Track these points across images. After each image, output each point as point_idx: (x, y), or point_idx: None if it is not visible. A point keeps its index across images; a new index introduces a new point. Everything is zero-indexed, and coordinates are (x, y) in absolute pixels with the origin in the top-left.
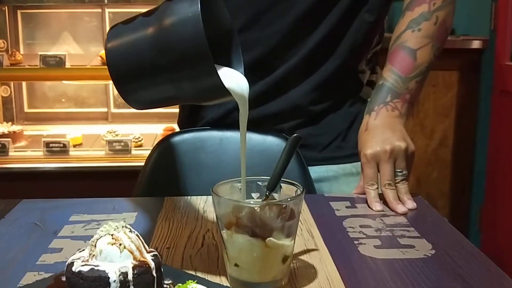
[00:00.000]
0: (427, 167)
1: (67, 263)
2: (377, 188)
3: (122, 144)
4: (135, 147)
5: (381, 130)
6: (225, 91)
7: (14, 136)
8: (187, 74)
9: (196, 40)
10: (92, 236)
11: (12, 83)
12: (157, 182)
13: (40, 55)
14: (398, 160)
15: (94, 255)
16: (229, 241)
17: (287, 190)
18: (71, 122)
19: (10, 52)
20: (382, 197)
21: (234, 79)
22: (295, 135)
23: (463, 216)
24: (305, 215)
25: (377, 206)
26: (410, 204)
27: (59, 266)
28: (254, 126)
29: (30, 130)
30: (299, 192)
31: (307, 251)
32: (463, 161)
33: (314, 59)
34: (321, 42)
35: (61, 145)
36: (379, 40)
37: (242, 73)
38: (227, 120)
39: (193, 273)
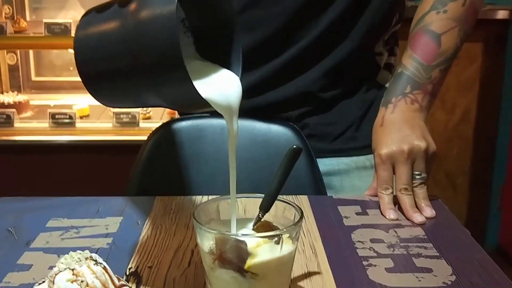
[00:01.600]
0: (447, 143)
1: None
2: (392, 192)
3: (130, 116)
4: (143, 119)
5: (399, 126)
6: (204, 103)
7: (19, 107)
8: (160, 81)
9: (168, 44)
10: (67, 250)
11: (18, 50)
12: (152, 174)
13: (45, 22)
14: (416, 162)
15: None
16: (212, 275)
17: (284, 211)
18: (79, 91)
19: (15, 19)
20: (397, 202)
21: (220, 87)
22: (294, 146)
23: (483, 194)
24: (310, 225)
25: (391, 214)
26: (429, 212)
27: None
28: (259, 114)
29: (37, 99)
30: (297, 217)
31: (309, 275)
32: (485, 138)
33: (325, 42)
34: (334, 23)
35: (67, 116)
36: (398, 20)
37: (238, 74)
38: None
39: None
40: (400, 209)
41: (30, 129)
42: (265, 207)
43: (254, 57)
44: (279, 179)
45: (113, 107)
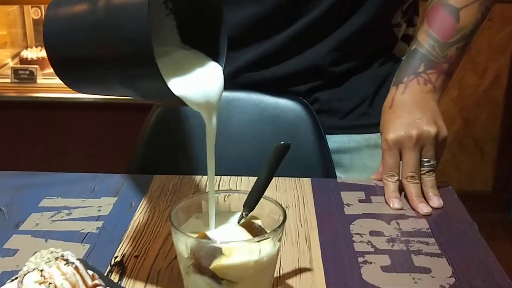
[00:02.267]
0: (477, 108)
1: None
2: (398, 180)
3: None
4: None
5: (409, 109)
6: (178, 100)
7: (43, 63)
8: (131, 75)
9: (138, 37)
10: (56, 234)
11: (43, 5)
12: (155, 150)
13: None
14: (425, 148)
15: None
16: (187, 279)
17: (269, 211)
18: None
19: None
20: (403, 190)
21: (198, 82)
22: (282, 143)
23: (510, 161)
24: (308, 212)
25: (395, 203)
26: (436, 201)
27: (4, 279)
28: (267, 87)
29: None
30: (281, 219)
31: (299, 271)
32: None
33: (337, 13)
34: None
35: None
36: None
37: (222, 64)
38: (237, 79)
39: None
40: (406, 197)
41: (53, 85)
42: (249, 206)
43: (262, 29)
44: (265, 177)
45: (83, 93)
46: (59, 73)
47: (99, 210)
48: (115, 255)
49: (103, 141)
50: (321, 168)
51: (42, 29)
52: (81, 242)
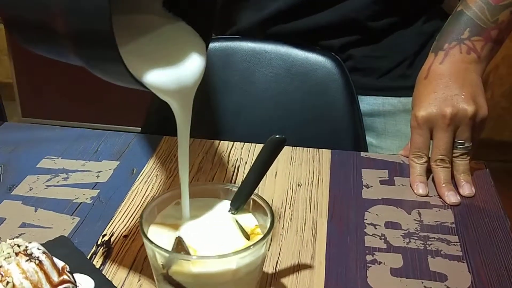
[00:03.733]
0: None
1: None
2: (426, 162)
3: None
4: None
5: (446, 82)
6: (141, 86)
7: None
8: (87, 54)
9: (94, 10)
10: (47, 202)
11: None
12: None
13: None
14: (460, 128)
15: None
16: (158, 285)
17: (256, 213)
18: None
19: None
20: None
21: (172, 66)
22: (277, 136)
23: None
24: (321, 193)
25: (420, 188)
26: (467, 189)
27: None
28: (297, 40)
29: None
30: (267, 225)
31: (298, 268)
32: None
33: None
34: None
35: None
36: None
37: (207, 41)
38: (264, 29)
39: None
40: (434, 183)
41: None
42: (236, 205)
43: None
44: (256, 174)
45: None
46: (11, 32)
47: (97, 176)
48: (104, 232)
49: (119, 92)
50: (351, 132)
51: None
52: (71, 215)
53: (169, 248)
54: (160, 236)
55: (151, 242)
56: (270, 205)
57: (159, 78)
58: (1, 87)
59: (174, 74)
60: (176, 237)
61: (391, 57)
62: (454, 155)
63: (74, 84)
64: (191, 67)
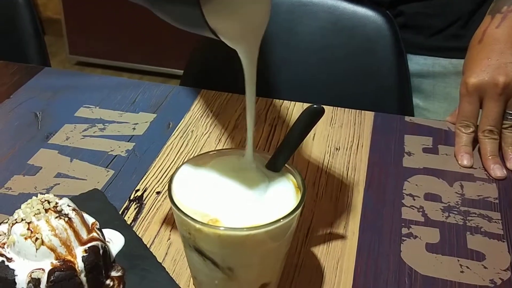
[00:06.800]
0: None
1: None
2: (474, 131)
3: None
4: None
5: (501, 48)
6: (210, 33)
7: None
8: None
9: None
10: (83, 152)
11: None
12: (213, 57)
13: None
14: None
15: (9, 244)
16: (185, 251)
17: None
18: None
19: None
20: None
21: (241, 10)
22: (315, 106)
23: None
24: (360, 159)
25: (465, 159)
26: None
27: (21, 200)
28: None
29: None
30: (294, 202)
31: (330, 237)
32: None
33: None
34: None
35: None
36: None
37: None
38: None
39: (162, 256)
40: (480, 154)
41: None
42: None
43: None
44: (289, 147)
45: None
46: None
47: (134, 129)
48: (137, 187)
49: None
50: (397, 93)
51: None
52: (106, 167)
53: (197, 215)
54: (188, 201)
55: (178, 209)
56: (306, 170)
57: (229, 24)
58: (50, 23)
59: (244, 23)
60: (204, 205)
61: (444, 16)
62: (504, 126)
63: (122, 23)
64: (261, 15)
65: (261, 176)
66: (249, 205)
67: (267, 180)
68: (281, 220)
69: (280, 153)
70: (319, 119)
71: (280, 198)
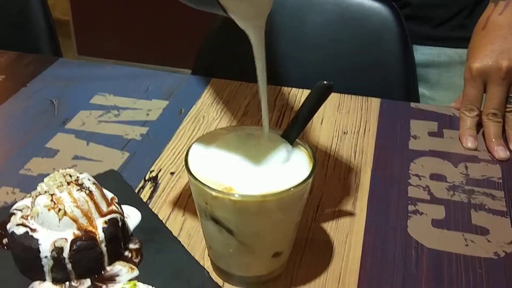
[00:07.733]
0: None
1: (10, 211)
2: (478, 115)
3: None
4: None
5: (504, 34)
6: (218, 9)
7: None
8: None
9: None
10: (100, 136)
11: None
12: (222, 48)
13: None
14: None
15: (32, 216)
16: (201, 222)
17: (299, 157)
18: None
19: None
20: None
21: None
22: (325, 82)
23: None
24: (367, 142)
25: (469, 142)
26: None
27: (39, 180)
28: None
29: None
30: (306, 173)
31: (339, 213)
32: None
33: None
34: None
35: None
36: None
37: None
38: None
39: (177, 231)
40: (484, 137)
41: None
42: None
43: None
44: (301, 119)
45: None
46: None
47: (147, 115)
48: (152, 168)
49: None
50: (403, 82)
51: None
52: (122, 149)
53: (213, 184)
54: (205, 171)
55: (195, 178)
56: (314, 152)
57: (234, 5)
58: (58, 24)
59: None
60: (221, 175)
61: (450, 6)
62: (507, 109)
63: (130, 24)
64: None
65: (278, 147)
66: (265, 174)
67: (285, 151)
68: (292, 189)
69: (293, 128)
70: (328, 95)
71: (295, 168)
